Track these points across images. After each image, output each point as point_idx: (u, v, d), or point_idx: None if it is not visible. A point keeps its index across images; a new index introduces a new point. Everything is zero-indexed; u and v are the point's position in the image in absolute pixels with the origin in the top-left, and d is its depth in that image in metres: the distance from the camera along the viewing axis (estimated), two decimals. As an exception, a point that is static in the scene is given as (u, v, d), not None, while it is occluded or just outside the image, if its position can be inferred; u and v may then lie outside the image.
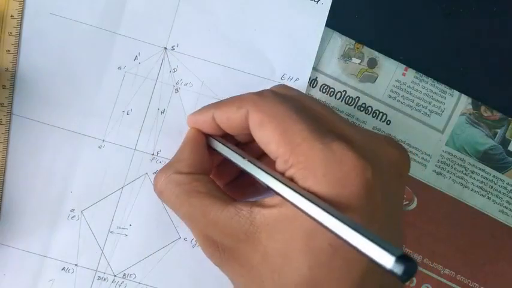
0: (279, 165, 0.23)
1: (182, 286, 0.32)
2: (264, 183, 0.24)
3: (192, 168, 0.26)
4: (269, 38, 0.33)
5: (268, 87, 0.30)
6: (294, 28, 0.33)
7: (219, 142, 0.27)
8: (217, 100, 0.32)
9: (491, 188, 0.35)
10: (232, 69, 0.33)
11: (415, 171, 0.34)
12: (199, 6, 0.32)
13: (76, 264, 0.32)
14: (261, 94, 0.25)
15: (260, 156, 0.27)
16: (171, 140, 0.32)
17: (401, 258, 0.18)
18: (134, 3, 0.32)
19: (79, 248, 0.32)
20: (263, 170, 0.24)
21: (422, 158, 0.34)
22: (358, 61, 0.34)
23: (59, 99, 0.32)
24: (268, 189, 0.23)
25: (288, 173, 0.23)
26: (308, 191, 0.22)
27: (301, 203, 0.21)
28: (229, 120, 0.26)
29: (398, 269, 0.18)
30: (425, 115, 0.34)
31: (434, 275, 0.34)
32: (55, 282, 0.32)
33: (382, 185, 0.23)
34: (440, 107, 0.35)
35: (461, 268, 0.35)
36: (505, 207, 0.35)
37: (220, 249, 0.24)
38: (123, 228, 0.32)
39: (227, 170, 0.30)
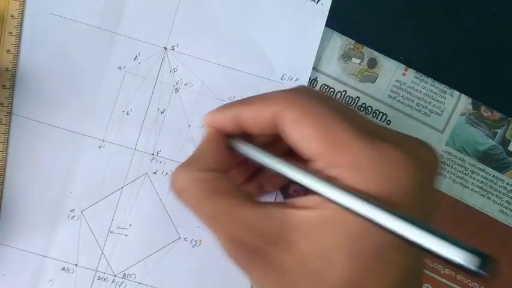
0: (319, 164, 0.22)
1: (182, 286, 0.32)
2: (305, 184, 0.22)
3: (216, 166, 0.25)
4: (269, 38, 0.33)
5: (268, 87, 0.30)
6: (294, 28, 0.33)
7: (243, 143, 0.26)
8: (217, 100, 0.32)
9: (491, 188, 0.35)
10: (232, 69, 0.33)
11: (415, 171, 0.34)
12: (199, 6, 0.32)
13: (76, 264, 0.32)
14: (294, 91, 0.24)
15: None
16: (171, 140, 0.32)
17: (484, 258, 0.17)
18: (134, 3, 0.32)
19: (79, 248, 0.32)
20: (302, 170, 0.22)
21: (422, 158, 0.34)
22: (358, 61, 0.34)
23: (59, 99, 0.32)
24: (307, 190, 0.22)
25: (332, 173, 0.22)
26: (356, 190, 0.21)
27: (353, 203, 0.20)
28: (257, 118, 0.24)
29: (485, 270, 0.17)
30: (425, 115, 0.34)
31: (434, 275, 0.34)
32: (55, 282, 0.32)
33: (425, 183, 0.23)
34: (440, 107, 0.35)
35: (461, 268, 0.35)
36: (505, 207, 0.35)
37: (249, 251, 0.23)
38: (123, 228, 0.32)
39: (242, 171, 0.29)
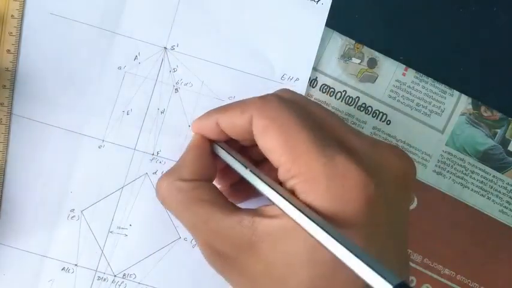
0: (281, 175, 0.23)
1: (182, 286, 0.32)
2: (265, 195, 0.23)
3: (195, 175, 0.25)
4: (269, 38, 0.33)
5: (268, 87, 0.30)
6: (294, 28, 0.33)
7: (222, 149, 0.27)
8: (217, 100, 0.32)
9: (491, 188, 0.35)
10: (232, 69, 0.33)
11: (415, 171, 0.34)
12: (199, 6, 0.32)
13: (76, 264, 0.32)
14: (265, 98, 0.25)
15: (263, 160, 0.26)
16: (171, 140, 0.32)
17: (398, 286, 0.18)
18: (134, 3, 0.32)
19: (79, 248, 0.32)
20: (264, 182, 0.23)
21: (422, 158, 0.34)
22: (358, 61, 0.34)
23: (59, 99, 0.32)
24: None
25: (289, 184, 0.23)
26: (309, 205, 0.22)
27: (301, 219, 0.21)
28: (233, 125, 0.25)
29: None
30: (425, 115, 0.34)
31: (434, 275, 0.34)
32: (55, 282, 0.32)
33: (386, 200, 0.23)
34: (440, 107, 0.35)
35: (461, 268, 0.35)
36: (505, 207, 0.35)
37: (222, 258, 0.24)
38: (123, 228, 0.32)
39: (232, 171, 0.29)
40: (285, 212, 0.22)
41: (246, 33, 0.33)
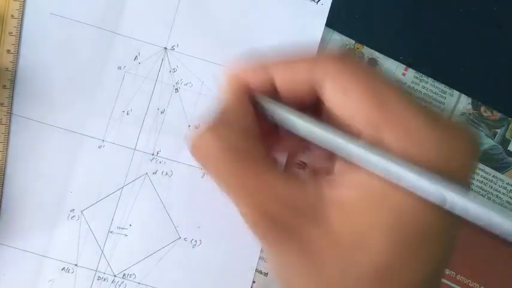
0: (367, 133, 0.20)
1: (182, 286, 0.32)
2: (349, 153, 0.20)
3: (245, 128, 0.21)
4: (269, 38, 0.33)
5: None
6: (294, 28, 0.33)
7: (273, 102, 0.22)
8: (217, 100, 0.32)
9: (491, 188, 0.35)
10: (232, 69, 0.33)
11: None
12: (199, 6, 0.32)
13: (76, 264, 0.32)
14: (341, 56, 0.21)
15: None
16: (171, 140, 0.32)
17: None
18: (134, 3, 0.32)
19: (79, 248, 0.32)
20: (347, 137, 0.20)
21: (422, 158, 0.34)
22: (358, 61, 0.34)
23: (59, 99, 0.32)
24: (345, 161, 0.20)
25: (381, 136, 0.19)
26: (408, 155, 0.19)
27: (401, 170, 0.18)
28: (294, 81, 0.21)
29: None
30: (425, 115, 0.34)
31: (434, 275, 0.34)
32: (55, 282, 0.32)
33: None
34: (440, 107, 0.35)
35: (461, 268, 0.35)
36: (505, 207, 0.35)
37: (279, 226, 0.20)
38: (123, 228, 0.32)
39: (270, 139, 0.25)
40: (373, 166, 0.19)
41: (246, 33, 0.33)
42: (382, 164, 0.19)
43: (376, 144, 0.19)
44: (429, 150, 0.19)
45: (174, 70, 0.32)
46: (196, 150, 0.21)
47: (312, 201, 0.20)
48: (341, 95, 0.20)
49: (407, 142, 0.19)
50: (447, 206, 0.18)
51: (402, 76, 0.34)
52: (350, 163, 0.20)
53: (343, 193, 0.20)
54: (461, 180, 0.19)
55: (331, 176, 0.21)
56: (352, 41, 0.34)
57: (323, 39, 0.33)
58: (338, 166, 0.21)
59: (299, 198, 0.20)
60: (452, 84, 0.35)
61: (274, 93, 0.22)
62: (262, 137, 0.23)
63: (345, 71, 0.20)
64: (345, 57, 0.21)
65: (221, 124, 0.21)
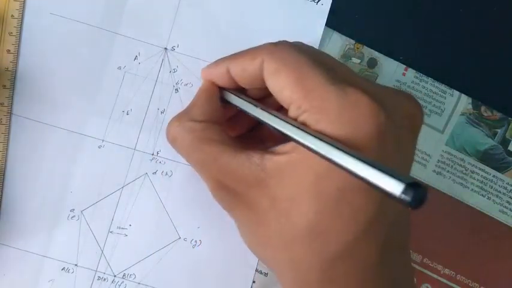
0: (292, 112, 0.23)
1: (182, 286, 0.32)
2: (275, 128, 0.24)
3: (205, 117, 0.26)
4: (269, 38, 0.33)
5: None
6: (294, 28, 0.33)
7: (233, 94, 0.27)
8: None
9: (491, 188, 0.35)
10: (232, 69, 0.33)
11: (415, 171, 0.34)
12: (199, 6, 0.32)
13: (76, 264, 0.32)
14: (276, 43, 0.25)
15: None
16: (171, 140, 0.32)
17: (410, 185, 0.18)
18: (134, 3, 0.32)
19: (79, 248, 0.32)
20: (275, 116, 0.24)
21: (422, 158, 0.34)
22: (358, 61, 0.34)
23: (59, 99, 0.32)
24: (282, 136, 0.24)
25: (301, 118, 0.23)
26: (321, 133, 0.22)
27: (312, 142, 0.21)
28: (244, 71, 0.26)
29: (408, 196, 0.18)
30: (425, 115, 0.34)
31: (434, 275, 0.34)
32: (55, 282, 0.32)
33: (395, 132, 0.23)
34: (440, 107, 0.35)
35: (461, 268, 0.35)
36: (505, 207, 0.35)
37: (231, 194, 0.25)
38: (123, 228, 0.32)
39: (239, 123, 0.30)
40: (295, 139, 0.22)
41: (246, 33, 0.33)
42: (302, 138, 0.22)
43: (300, 122, 0.23)
44: (338, 126, 0.22)
45: (174, 70, 0.32)
46: (167, 135, 0.27)
47: (254, 170, 0.24)
48: (272, 76, 0.24)
49: (322, 122, 0.22)
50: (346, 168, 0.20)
51: (402, 76, 0.34)
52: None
53: (277, 159, 0.23)
54: (367, 145, 0.22)
55: (274, 147, 0.24)
56: (352, 41, 0.34)
57: (323, 39, 0.33)
58: (278, 137, 0.24)
59: (245, 170, 0.24)
60: (452, 84, 0.35)
61: (236, 85, 0.27)
62: (225, 121, 0.29)
63: (275, 54, 0.24)
64: (278, 43, 0.25)
65: (186, 113, 0.27)
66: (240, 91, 0.28)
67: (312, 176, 0.22)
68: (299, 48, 0.25)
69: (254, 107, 0.26)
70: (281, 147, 0.24)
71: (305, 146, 0.22)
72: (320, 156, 0.21)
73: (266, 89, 0.25)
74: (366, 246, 0.23)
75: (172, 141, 0.27)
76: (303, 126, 0.23)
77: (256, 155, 0.24)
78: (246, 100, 0.26)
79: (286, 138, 0.23)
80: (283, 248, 0.23)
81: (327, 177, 0.22)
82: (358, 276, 0.23)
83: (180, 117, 0.27)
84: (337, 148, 0.20)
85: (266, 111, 0.25)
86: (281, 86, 0.24)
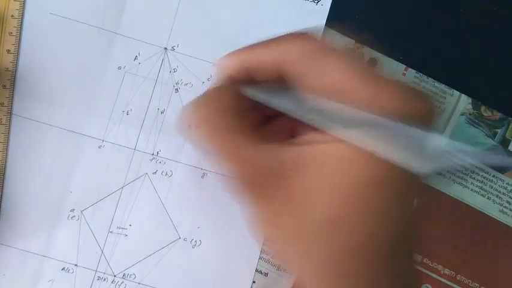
0: (337, 97, 0.23)
1: (182, 286, 0.32)
2: (297, 115, 0.23)
3: (229, 106, 0.26)
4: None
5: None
6: (294, 28, 0.33)
7: (252, 87, 0.26)
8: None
9: (491, 188, 0.35)
10: (232, 69, 0.33)
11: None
12: (199, 6, 0.32)
13: (76, 264, 0.32)
14: (298, 34, 0.25)
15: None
16: (171, 140, 0.32)
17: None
18: (134, 3, 0.32)
19: (79, 248, 0.32)
20: (301, 104, 0.23)
21: (422, 158, 0.34)
22: (358, 61, 0.34)
23: (59, 99, 0.32)
24: (304, 126, 0.23)
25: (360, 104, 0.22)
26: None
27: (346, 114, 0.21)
28: (263, 63, 0.25)
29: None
30: (425, 115, 0.34)
31: (434, 275, 0.34)
32: (55, 282, 0.32)
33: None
34: (440, 107, 0.35)
35: (461, 268, 0.35)
36: (505, 207, 0.35)
37: (249, 185, 0.25)
38: (123, 228, 0.32)
39: (256, 114, 0.29)
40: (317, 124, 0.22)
41: (246, 33, 0.33)
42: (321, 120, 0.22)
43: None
44: (403, 105, 0.22)
45: (174, 70, 0.32)
46: (191, 119, 0.26)
47: (273, 162, 0.23)
48: (318, 70, 0.23)
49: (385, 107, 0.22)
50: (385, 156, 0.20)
51: (402, 76, 0.34)
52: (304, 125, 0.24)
53: (296, 151, 0.23)
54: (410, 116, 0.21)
55: (293, 139, 0.24)
56: (352, 41, 0.34)
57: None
58: (295, 128, 0.25)
59: (263, 161, 0.24)
60: (452, 84, 0.35)
61: (252, 79, 0.26)
62: (246, 114, 0.27)
63: (315, 47, 0.24)
64: (304, 36, 0.25)
65: (209, 99, 0.26)
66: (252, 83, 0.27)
67: (329, 169, 0.22)
68: (326, 42, 0.25)
69: (273, 93, 0.25)
70: (300, 139, 0.24)
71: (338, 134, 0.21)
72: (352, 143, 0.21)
73: (278, 77, 0.25)
74: (379, 242, 0.23)
75: (196, 125, 0.26)
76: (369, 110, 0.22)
77: (277, 146, 0.24)
78: (274, 91, 0.25)
79: (304, 130, 0.23)
80: (297, 240, 0.23)
81: (344, 171, 0.22)
82: (369, 272, 0.23)
83: (204, 103, 0.26)
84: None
85: (287, 95, 0.24)
86: (336, 79, 0.23)
